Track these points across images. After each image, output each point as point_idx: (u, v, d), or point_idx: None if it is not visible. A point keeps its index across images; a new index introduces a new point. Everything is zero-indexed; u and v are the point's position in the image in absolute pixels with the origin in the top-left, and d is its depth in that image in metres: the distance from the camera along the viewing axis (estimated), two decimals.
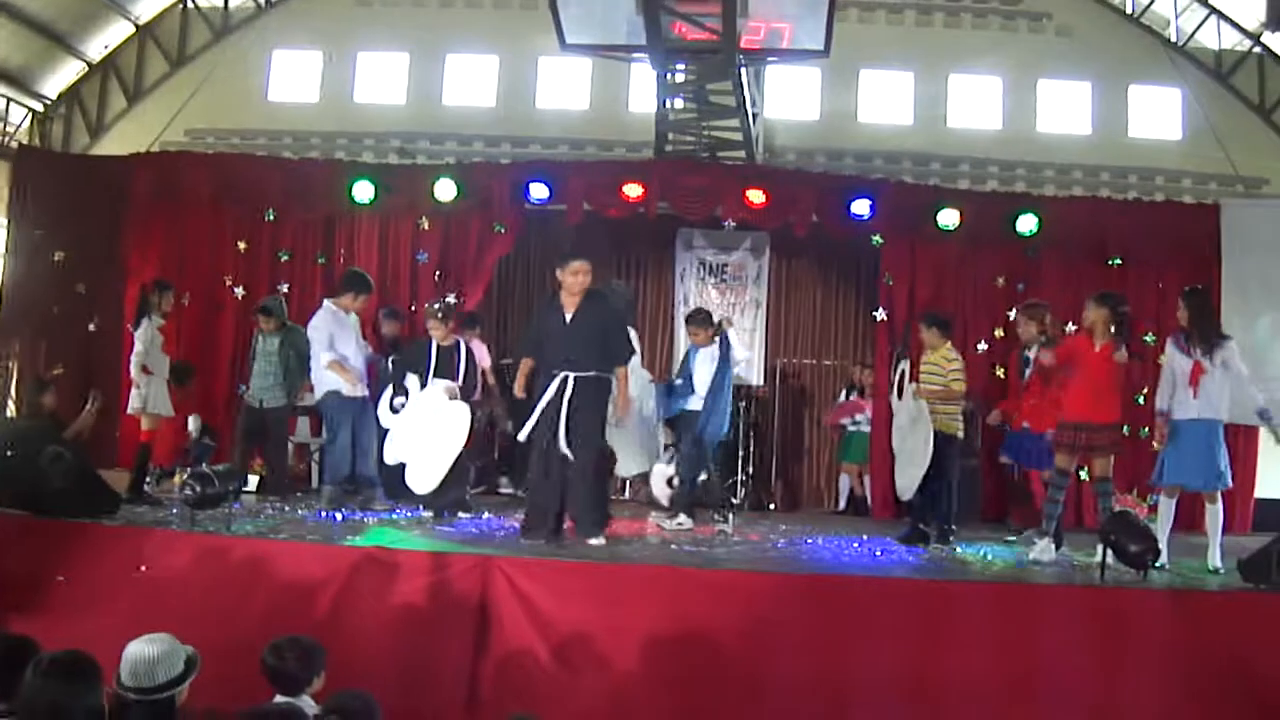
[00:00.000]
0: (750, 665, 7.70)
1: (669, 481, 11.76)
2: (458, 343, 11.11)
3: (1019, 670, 7.69)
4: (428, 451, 10.14)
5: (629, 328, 10.47)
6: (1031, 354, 11.16)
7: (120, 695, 4.78)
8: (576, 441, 9.45)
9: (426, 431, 10.19)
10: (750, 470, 14.92)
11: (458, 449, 10.14)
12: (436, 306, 11.26)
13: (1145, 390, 13.18)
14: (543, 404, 9.53)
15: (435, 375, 10.79)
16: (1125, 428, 11.01)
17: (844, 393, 15.34)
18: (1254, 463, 13.99)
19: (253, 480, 12.27)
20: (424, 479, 10.16)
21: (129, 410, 11.45)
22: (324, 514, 10.61)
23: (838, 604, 7.96)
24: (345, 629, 7.71)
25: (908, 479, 10.62)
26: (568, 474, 9.57)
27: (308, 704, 5.37)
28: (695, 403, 11.28)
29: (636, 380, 10.39)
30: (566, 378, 9.47)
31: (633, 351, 10.07)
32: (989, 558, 10.07)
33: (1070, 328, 11.79)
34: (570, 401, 9.43)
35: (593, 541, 9.43)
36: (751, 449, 15.04)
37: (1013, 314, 12.57)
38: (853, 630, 7.79)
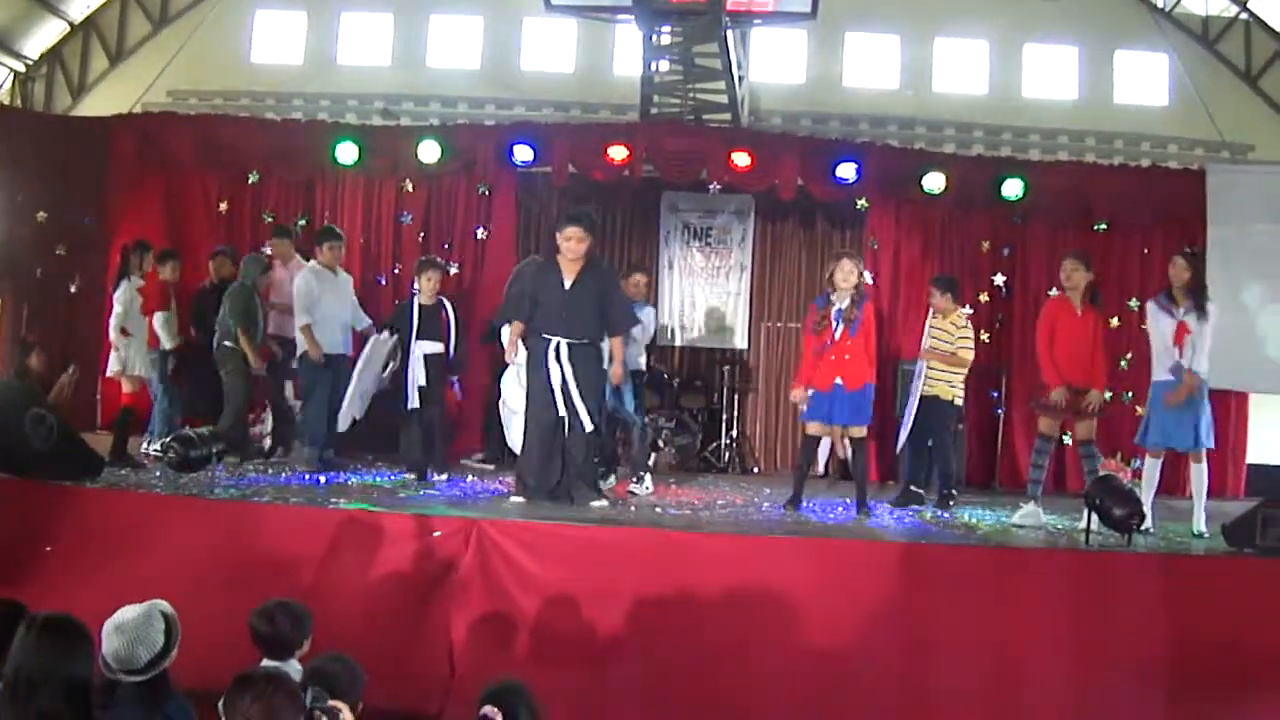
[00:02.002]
0: (736, 629, 7.69)
1: (654, 445, 11.79)
2: (441, 301, 11.09)
3: (1002, 634, 7.69)
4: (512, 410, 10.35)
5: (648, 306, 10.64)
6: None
7: (111, 675, 4.73)
8: (586, 409, 9.50)
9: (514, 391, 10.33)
10: (734, 433, 14.90)
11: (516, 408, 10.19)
12: (425, 261, 11.26)
13: (1129, 354, 13.23)
14: (539, 371, 9.54)
15: (420, 335, 10.82)
16: (1109, 391, 11.01)
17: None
18: (1245, 426, 14.04)
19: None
20: (514, 437, 10.34)
21: (108, 373, 11.40)
22: (306, 477, 10.56)
23: (823, 566, 7.95)
24: (329, 593, 7.66)
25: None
26: (568, 442, 9.57)
27: (294, 668, 5.34)
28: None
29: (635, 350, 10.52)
30: (560, 344, 9.45)
31: (635, 323, 10.18)
32: (976, 521, 10.09)
33: (1053, 292, 11.76)
34: (568, 369, 9.45)
35: (596, 504, 9.51)
36: (735, 412, 15.03)
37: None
38: (838, 592, 7.78)
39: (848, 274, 10.01)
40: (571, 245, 9.56)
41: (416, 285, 11.17)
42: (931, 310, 11.24)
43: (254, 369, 11.48)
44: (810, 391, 10.07)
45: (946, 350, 10.91)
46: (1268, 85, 17.26)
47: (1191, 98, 16.46)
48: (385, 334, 11.04)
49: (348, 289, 11.79)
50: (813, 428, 10.27)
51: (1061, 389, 9.88)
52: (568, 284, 9.56)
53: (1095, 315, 10.24)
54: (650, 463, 11.76)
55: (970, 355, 11.01)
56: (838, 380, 9.95)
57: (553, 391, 9.47)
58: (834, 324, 9.96)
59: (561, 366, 9.46)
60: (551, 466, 9.60)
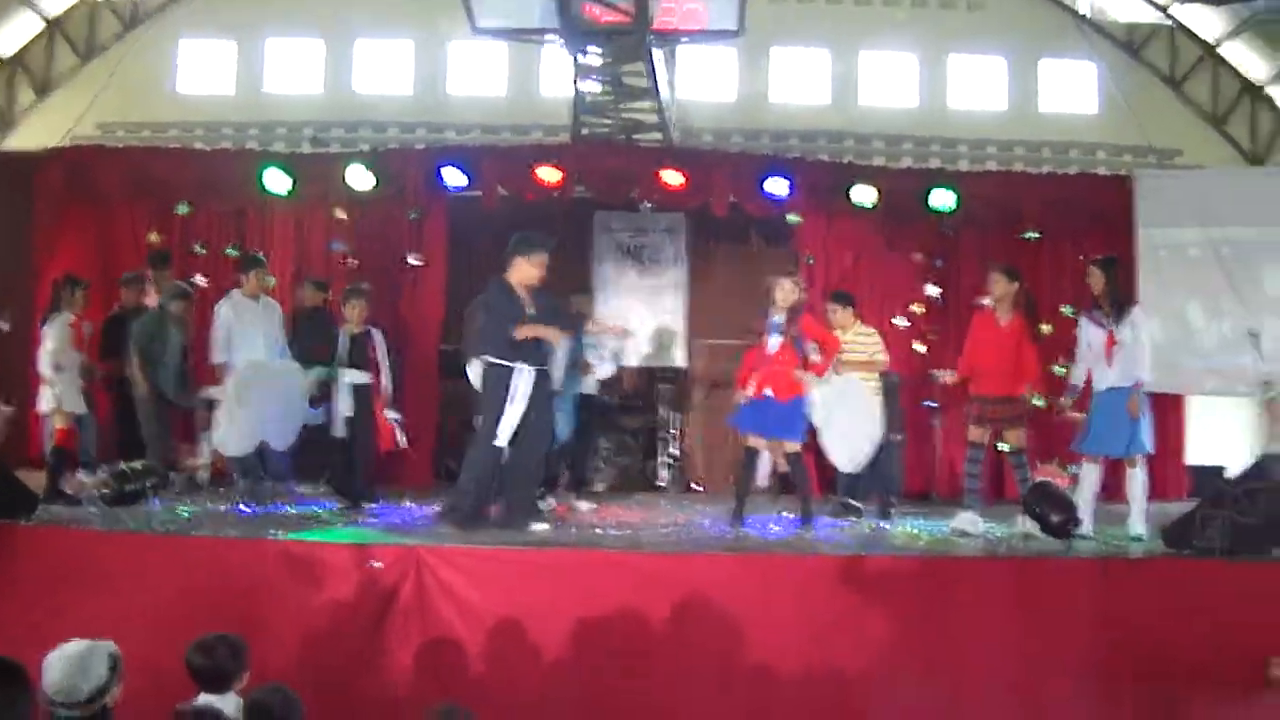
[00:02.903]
0: (680, 650, 7.69)
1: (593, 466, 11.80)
2: (369, 330, 11.06)
3: (946, 644, 7.75)
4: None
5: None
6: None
7: (51, 710, 4.68)
8: (534, 433, 9.46)
9: None
10: (675, 452, 14.91)
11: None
12: (350, 289, 11.23)
13: (1064, 362, 13.32)
14: (522, 404, 9.35)
15: (348, 363, 10.82)
16: (1035, 397, 11.17)
17: None
18: (1182, 428, 14.15)
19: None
20: None
21: (42, 410, 11.27)
22: (243, 508, 10.46)
23: (765, 583, 7.95)
24: (268, 625, 7.59)
25: (854, 452, 10.62)
26: (511, 466, 9.50)
27: (231, 701, 5.31)
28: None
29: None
30: (526, 372, 9.35)
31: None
32: (917, 532, 10.12)
33: (985, 301, 11.82)
34: (530, 396, 9.37)
35: (538, 528, 9.36)
36: (676, 430, 15.04)
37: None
38: (781, 609, 7.79)
39: (787, 293, 10.18)
40: (536, 272, 9.52)
41: (345, 314, 11.13)
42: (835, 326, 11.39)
43: (139, 394, 11.23)
44: (745, 401, 10.19)
45: (865, 359, 11.12)
46: (1192, 90, 17.52)
47: (1118, 105, 16.68)
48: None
49: (275, 317, 11.69)
50: (751, 440, 10.31)
51: (950, 371, 10.54)
52: (530, 310, 9.47)
53: (1020, 324, 10.54)
54: (591, 483, 11.77)
55: (887, 357, 11.39)
56: (767, 391, 10.04)
57: (504, 418, 9.36)
58: (769, 335, 10.05)
59: (527, 394, 9.35)
60: (489, 492, 9.56)
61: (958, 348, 12.89)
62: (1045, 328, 13.01)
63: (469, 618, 7.77)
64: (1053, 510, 8.68)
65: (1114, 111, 16.82)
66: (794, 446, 10.23)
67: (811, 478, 11.28)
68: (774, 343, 10.12)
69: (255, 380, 10.76)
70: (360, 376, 10.92)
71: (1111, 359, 9.70)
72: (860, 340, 11.33)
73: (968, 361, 10.81)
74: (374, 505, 10.89)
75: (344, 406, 10.88)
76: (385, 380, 11.13)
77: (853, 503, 11.31)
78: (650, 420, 14.93)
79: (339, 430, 10.90)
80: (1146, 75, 17.47)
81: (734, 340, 15.55)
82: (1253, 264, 13.54)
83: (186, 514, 9.84)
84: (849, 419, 10.49)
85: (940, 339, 13.86)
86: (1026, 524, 8.88)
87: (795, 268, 12.35)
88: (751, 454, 10.44)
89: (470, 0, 12.62)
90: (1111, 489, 10.40)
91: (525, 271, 9.51)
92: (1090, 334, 9.92)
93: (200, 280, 13.15)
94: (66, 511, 9.85)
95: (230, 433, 10.63)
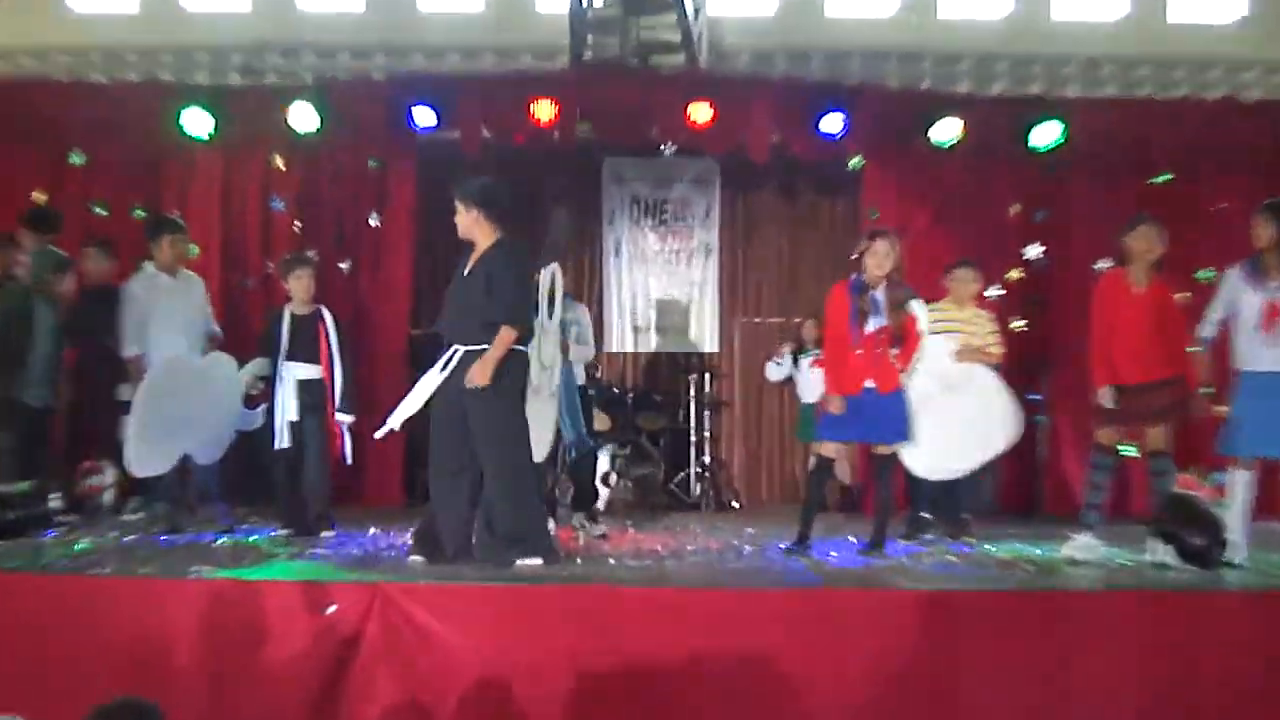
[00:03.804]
0: (713, 707, 7.68)
1: (604, 479, 11.78)
2: (320, 311, 11.10)
3: (1048, 698, 7.73)
4: None
5: (547, 272, 10.16)
6: None
7: None
8: (481, 437, 9.26)
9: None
10: (707, 460, 14.91)
11: None
12: (292, 258, 11.22)
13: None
14: (428, 388, 9.33)
15: (291, 355, 10.86)
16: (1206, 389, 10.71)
17: (788, 356, 14.35)
18: None
19: None
20: None
21: None
22: (163, 538, 10.49)
23: (816, 624, 7.93)
24: (189, 686, 7.67)
25: (960, 461, 10.69)
26: (477, 480, 9.38)
27: None
28: None
29: (548, 345, 10.20)
30: (455, 352, 9.29)
31: (522, 304, 9.50)
32: (1011, 556, 10.13)
33: (1102, 264, 11.77)
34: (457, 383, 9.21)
35: (526, 563, 9.14)
36: (707, 433, 15.04)
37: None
38: (843, 658, 7.77)
39: (882, 259, 10.10)
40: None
41: (289, 290, 11.16)
42: (951, 299, 11.34)
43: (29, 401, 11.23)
44: (835, 406, 10.15)
45: (982, 346, 11.08)
46: None
47: (1273, 11, 16.56)
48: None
49: (197, 295, 11.72)
50: (829, 448, 10.31)
51: (1109, 389, 9.90)
52: (465, 272, 9.45)
53: (1163, 289, 10.13)
54: (601, 501, 11.77)
55: (1002, 351, 11.20)
56: (869, 383, 10.05)
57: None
58: (869, 315, 10.07)
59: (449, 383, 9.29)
60: (455, 516, 9.42)
61: (1066, 323, 12.91)
62: (1180, 297, 12.94)
63: (448, 668, 7.76)
64: (1194, 531, 8.64)
65: (1266, 20, 16.72)
66: (893, 449, 10.27)
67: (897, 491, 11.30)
68: (874, 324, 10.09)
69: (171, 381, 10.69)
70: (309, 370, 10.96)
71: (1273, 330, 9.41)
72: (976, 322, 11.34)
73: (1102, 340, 10.20)
74: (329, 535, 10.92)
75: (288, 408, 10.90)
76: (338, 375, 11.12)
77: (926, 516, 11.31)
78: (674, 421, 14.92)
79: (282, 439, 10.90)
80: None
81: (778, 319, 15.63)
82: None
83: (84, 547, 9.85)
84: (966, 422, 10.47)
85: (1044, 312, 13.82)
86: (1159, 549, 8.82)
87: (857, 222, 12.26)
88: (826, 465, 10.47)
89: None
90: (1268, 502, 10.32)
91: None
92: (1243, 298, 9.63)
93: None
94: None
95: (140, 449, 10.32)
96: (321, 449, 11.10)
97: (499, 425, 9.25)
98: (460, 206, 9.41)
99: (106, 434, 11.91)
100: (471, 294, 9.27)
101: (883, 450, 10.35)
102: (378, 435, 9.49)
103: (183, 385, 10.76)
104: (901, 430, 10.18)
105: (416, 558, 9.40)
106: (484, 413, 9.18)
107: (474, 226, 9.41)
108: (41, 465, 11.33)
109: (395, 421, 9.36)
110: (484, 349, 9.09)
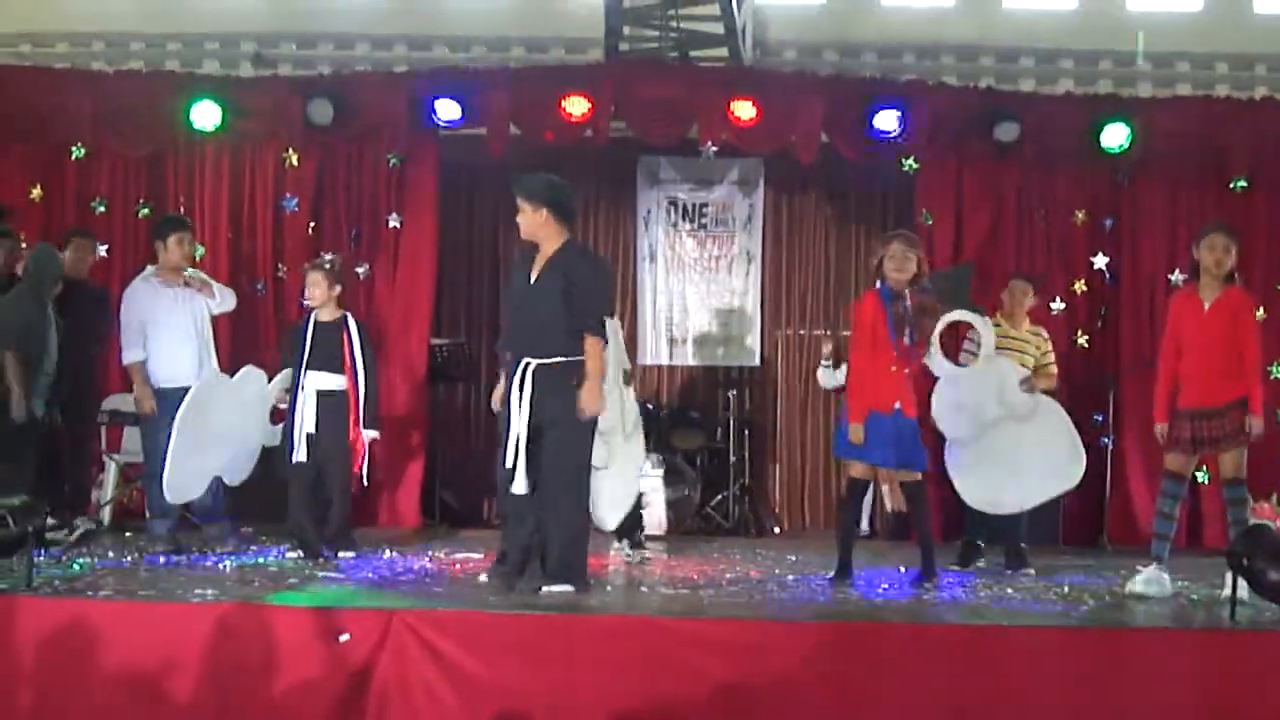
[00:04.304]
0: None
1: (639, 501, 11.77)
2: (345, 318, 11.08)
3: None
4: None
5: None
6: None
7: None
8: (550, 465, 9.20)
9: None
10: (746, 482, 14.90)
11: None
12: (320, 262, 11.21)
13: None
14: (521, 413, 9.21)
15: (311, 364, 10.84)
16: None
17: (826, 366, 13.93)
18: None
19: None
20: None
21: None
22: (162, 560, 10.53)
23: (863, 660, 7.93)
24: (199, 714, 7.69)
25: (1014, 499, 10.70)
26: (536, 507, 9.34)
27: None
28: None
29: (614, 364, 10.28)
30: (527, 366, 9.21)
31: (604, 313, 9.63)
32: (1070, 591, 10.09)
33: (1176, 277, 11.74)
34: (532, 400, 9.17)
35: (554, 589, 9.10)
36: (747, 453, 15.02)
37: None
38: (891, 698, 7.78)
39: (901, 262, 10.03)
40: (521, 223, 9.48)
41: (309, 295, 11.15)
42: (1003, 314, 11.33)
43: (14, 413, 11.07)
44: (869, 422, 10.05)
45: (1037, 366, 11.08)
46: None
47: None
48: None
49: (202, 299, 11.64)
50: (858, 469, 10.30)
51: (1162, 428, 9.83)
52: (533, 278, 9.36)
53: (1234, 305, 9.83)
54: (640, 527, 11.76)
55: (1056, 372, 11.23)
56: (896, 404, 9.99)
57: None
58: (907, 324, 10.03)
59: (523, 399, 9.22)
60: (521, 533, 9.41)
61: (1136, 339, 12.87)
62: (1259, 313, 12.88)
63: (470, 700, 7.76)
64: (1272, 564, 8.59)
65: None
66: (917, 476, 10.24)
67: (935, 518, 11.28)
68: (911, 335, 10.06)
69: (207, 403, 10.67)
70: (331, 380, 10.94)
71: None
72: (1031, 340, 11.33)
73: (1167, 363, 10.01)
74: (350, 557, 10.93)
75: (306, 420, 10.89)
76: (361, 386, 11.11)
77: (979, 544, 11.29)
78: (712, 439, 14.91)
79: (299, 453, 10.88)
80: None
81: (821, 330, 15.60)
82: None
83: (80, 567, 9.89)
84: (1042, 451, 10.47)
85: (1111, 328, 13.78)
86: (1234, 583, 8.78)
87: (910, 229, 12.20)
88: (861, 488, 10.44)
89: None
90: None
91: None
92: None
93: (100, 250, 13.18)
94: None
95: (178, 476, 10.41)
96: (343, 464, 11.05)
97: (573, 454, 9.26)
98: (526, 206, 9.34)
99: (83, 443, 11.99)
100: (544, 302, 9.22)
101: (909, 477, 10.31)
102: (516, 489, 9.19)
103: (217, 405, 10.76)
104: (924, 459, 10.19)
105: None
106: (559, 440, 9.18)
107: (542, 227, 9.35)
108: (31, 479, 11.19)
109: (510, 459, 9.19)
110: (559, 361, 9.11)
